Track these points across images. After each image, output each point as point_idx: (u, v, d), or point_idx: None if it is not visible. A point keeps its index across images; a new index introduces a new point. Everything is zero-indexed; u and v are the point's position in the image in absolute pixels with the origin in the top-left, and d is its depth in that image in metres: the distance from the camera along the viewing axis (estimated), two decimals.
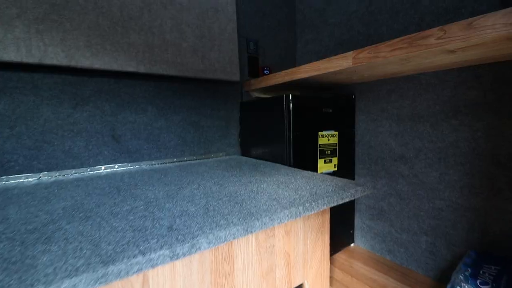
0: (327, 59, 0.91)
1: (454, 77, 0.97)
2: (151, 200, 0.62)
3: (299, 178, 0.80)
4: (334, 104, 1.19)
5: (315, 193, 0.64)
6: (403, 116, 1.12)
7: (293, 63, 1.64)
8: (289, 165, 1.07)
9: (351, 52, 0.83)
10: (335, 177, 0.81)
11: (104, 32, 0.93)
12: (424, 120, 1.07)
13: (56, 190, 0.75)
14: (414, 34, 0.68)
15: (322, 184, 0.73)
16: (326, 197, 0.61)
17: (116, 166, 1.05)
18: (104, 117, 1.03)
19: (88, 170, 1.00)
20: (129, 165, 1.08)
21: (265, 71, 1.49)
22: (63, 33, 0.86)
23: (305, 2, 1.56)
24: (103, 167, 1.03)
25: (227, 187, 0.72)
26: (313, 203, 0.57)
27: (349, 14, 1.32)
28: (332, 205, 0.62)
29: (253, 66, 1.44)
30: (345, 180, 0.77)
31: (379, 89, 1.20)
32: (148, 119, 1.11)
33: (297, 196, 0.62)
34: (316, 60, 1.54)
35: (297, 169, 0.95)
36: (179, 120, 1.19)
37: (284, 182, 0.76)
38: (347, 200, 0.66)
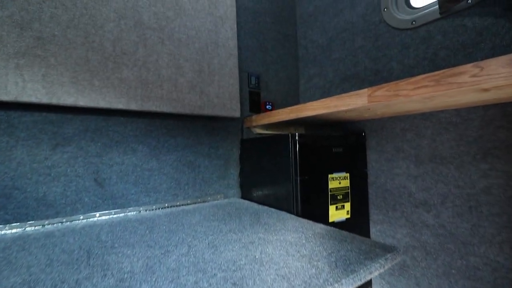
0: (337, 96, 0.82)
1: (479, 115, 0.87)
2: (125, 276, 0.48)
3: (311, 237, 0.66)
4: (343, 142, 1.08)
5: (335, 264, 0.50)
6: (422, 156, 1.01)
7: (297, 98, 1.57)
8: (296, 214, 0.93)
9: (365, 89, 0.74)
10: (354, 235, 0.67)
11: (93, 67, 0.85)
12: (447, 162, 0.95)
13: (14, 253, 0.60)
14: (442, 71, 0.59)
15: (341, 247, 0.59)
16: (351, 274, 0.47)
17: (97, 215, 0.92)
18: (88, 159, 0.91)
19: (64, 220, 0.86)
20: (113, 212, 0.94)
21: (267, 106, 1.41)
22: (46, 68, 0.78)
23: (307, 38, 1.53)
24: (81, 217, 0.89)
25: (224, 252, 0.58)
26: (336, 285, 0.43)
27: (355, 49, 1.27)
28: (359, 284, 0.48)
29: (255, 101, 1.36)
30: (368, 241, 0.63)
31: (392, 127, 1.10)
32: (138, 159, 1.00)
33: (313, 270, 0.48)
34: (320, 95, 1.49)
35: (306, 221, 0.81)
36: (172, 160, 1.07)
37: (294, 243, 0.62)
38: (376, 274, 0.51)
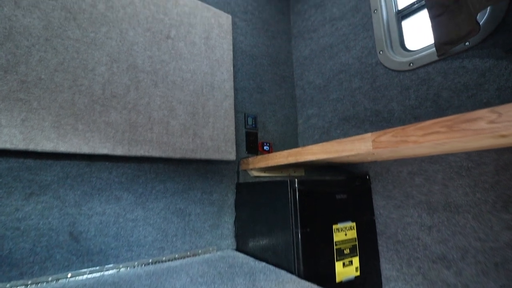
0: (338, 141, 0.76)
1: (493, 160, 0.80)
2: None
3: None
4: (347, 188, 1.00)
5: None
6: (435, 204, 0.92)
7: (295, 138, 1.52)
8: (298, 274, 0.80)
9: (369, 134, 0.68)
10: None
11: (79, 111, 0.80)
12: (463, 211, 0.85)
13: None
14: (455, 116, 0.54)
15: None
16: None
17: (69, 275, 0.79)
18: (64, 209, 0.82)
19: (29, 283, 0.74)
20: (87, 272, 0.82)
21: (265, 147, 1.35)
22: (27, 112, 0.73)
23: (304, 79, 1.54)
24: (50, 278, 0.77)
25: None
26: None
27: (352, 90, 1.25)
28: None
29: (252, 142, 1.31)
30: None
31: (398, 170, 1.02)
32: (121, 209, 0.90)
33: None
34: (319, 136, 1.44)
35: (309, 286, 0.69)
36: (160, 208, 0.98)
37: None
38: None
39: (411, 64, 1.03)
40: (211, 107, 1.08)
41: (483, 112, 0.49)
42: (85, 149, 0.79)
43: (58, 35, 0.81)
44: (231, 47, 1.22)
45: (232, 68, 1.21)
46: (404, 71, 1.06)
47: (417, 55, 1.02)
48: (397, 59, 1.08)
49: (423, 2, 1.05)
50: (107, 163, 0.90)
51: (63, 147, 0.76)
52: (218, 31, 1.18)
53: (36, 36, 0.78)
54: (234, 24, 1.36)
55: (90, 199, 0.86)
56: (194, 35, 1.10)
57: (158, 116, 0.94)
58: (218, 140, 1.07)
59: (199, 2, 1.16)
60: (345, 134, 1.26)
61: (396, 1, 1.16)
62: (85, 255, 0.83)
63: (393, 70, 1.09)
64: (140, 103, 0.91)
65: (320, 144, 0.81)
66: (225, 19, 1.23)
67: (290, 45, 1.65)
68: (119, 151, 0.84)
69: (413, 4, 1.08)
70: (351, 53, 1.28)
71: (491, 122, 0.49)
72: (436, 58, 0.96)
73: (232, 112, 1.16)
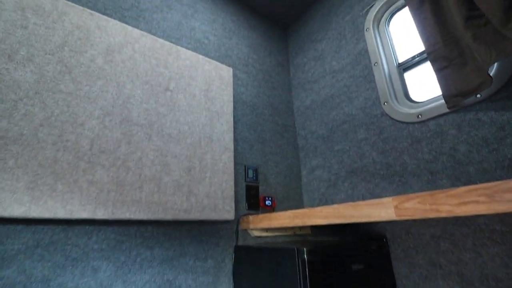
0: (353, 204, 0.66)
1: None
2: None
3: None
4: (363, 253, 0.86)
5: None
6: (468, 276, 0.78)
7: (299, 191, 1.42)
8: None
9: (390, 198, 0.59)
10: None
11: (60, 169, 0.72)
12: (505, 287, 0.71)
13: None
14: (495, 183, 0.45)
15: None
16: None
17: None
18: (29, 286, 0.68)
19: None
20: None
21: (266, 202, 1.24)
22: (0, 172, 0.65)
23: (306, 128, 1.49)
24: None
25: None
26: None
27: (358, 141, 1.19)
28: None
29: (253, 197, 1.20)
30: None
31: (420, 233, 0.90)
32: (98, 283, 0.76)
33: None
34: (326, 188, 1.32)
35: None
36: (145, 281, 0.83)
37: None
38: None
39: (420, 116, 0.98)
40: (208, 161, 1.01)
41: None
42: (61, 213, 0.69)
43: (50, 89, 0.77)
44: (231, 98, 1.20)
45: (232, 119, 1.17)
46: (413, 123, 1.00)
47: (425, 107, 0.98)
48: (403, 111, 1.04)
49: (424, 56, 1.06)
50: (87, 227, 0.79)
51: (35, 212, 0.66)
52: (218, 83, 1.17)
53: (25, 89, 0.74)
54: (234, 76, 1.36)
55: (62, 273, 0.73)
56: (194, 87, 1.08)
57: (150, 173, 0.85)
58: (215, 198, 0.97)
59: (200, 56, 1.17)
60: (354, 188, 1.16)
61: (396, 55, 1.17)
62: None
63: (400, 122, 1.05)
64: (130, 159, 0.84)
65: (332, 206, 0.71)
66: (226, 72, 1.23)
67: (290, 95, 1.65)
68: (100, 214, 0.74)
69: (414, 57, 1.09)
70: (354, 103, 1.25)
71: None
72: (446, 110, 0.92)
73: (231, 165, 1.08)
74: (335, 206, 0.70)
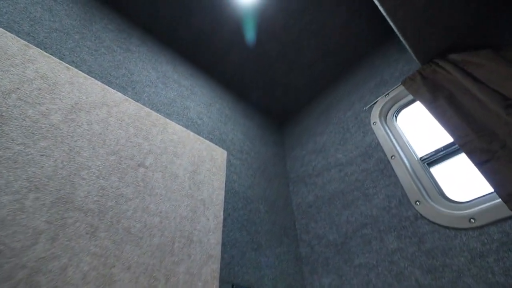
0: None
1: None
2: None
3: None
4: None
5: None
6: None
7: None
8: None
9: None
10: None
11: None
12: None
13: None
14: None
15: None
16: None
17: None
18: None
19: None
20: None
21: None
22: None
23: (311, 232, 1.18)
24: None
25: None
26: None
27: (389, 253, 0.89)
28: None
29: None
30: None
31: None
32: None
33: None
34: None
35: None
36: None
37: None
38: None
39: (473, 220, 0.75)
40: (180, 277, 0.64)
41: None
42: None
43: None
44: (223, 185, 0.94)
45: (222, 213, 0.87)
46: (466, 229, 0.76)
47: (475, 208, 0.77)
48: (446, 213, 0.81)
49: (451, 149, 0.93)
50: None
51: None
52: (209, 165, 0.94)
53: None
54: (228, 161, 1.15)
55: None
56: (178, 166, 0.83)
57: None
58: None
59: (192, 133, 0.97)
60: None
61: (413, 148, 1.05)
62: None
63: (445, 227, 0.80)
64: (45, 269, 0.47)
65: None
66: (220, 154, 1.02)
67: (288, 190, 1.42)
68: None
69: (438, 151, 0.95)
70: (373, 202, 1.02)
71: None
72: (509, 212, 0.70)
73: (214, 285, 0.70)
74: None
